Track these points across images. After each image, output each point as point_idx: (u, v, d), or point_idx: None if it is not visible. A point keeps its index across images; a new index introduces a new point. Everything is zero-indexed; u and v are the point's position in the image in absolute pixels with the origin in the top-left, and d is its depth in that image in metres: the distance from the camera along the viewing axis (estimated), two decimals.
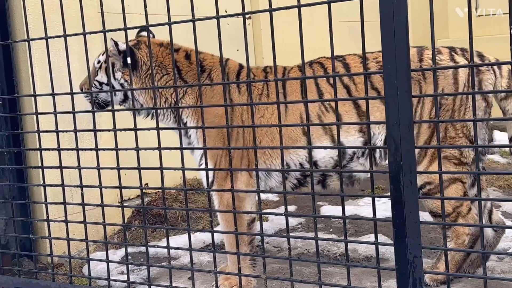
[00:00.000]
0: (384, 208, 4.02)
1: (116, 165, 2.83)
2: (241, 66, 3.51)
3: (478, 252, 3.21)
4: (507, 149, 5.19)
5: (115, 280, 3.20)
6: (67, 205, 3.10)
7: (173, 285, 2.75)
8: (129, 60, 3.08)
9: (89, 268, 3.49)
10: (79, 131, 2.95)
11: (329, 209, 5.16)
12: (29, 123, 4.08)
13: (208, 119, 3.16)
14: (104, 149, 2.91)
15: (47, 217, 3.16)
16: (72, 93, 2.92)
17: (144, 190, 3.00)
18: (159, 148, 2.64)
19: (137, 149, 2.73)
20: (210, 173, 3.21)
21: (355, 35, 6.33)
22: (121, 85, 3.43)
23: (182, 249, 3.10)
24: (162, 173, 2.69)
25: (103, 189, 2.91)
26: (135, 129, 2.70)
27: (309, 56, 2.83)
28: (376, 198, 2.27)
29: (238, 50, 5.45)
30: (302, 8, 2.21)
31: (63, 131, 3.02)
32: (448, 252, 2.55)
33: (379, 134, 3.20)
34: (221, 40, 2.47)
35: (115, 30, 2.66)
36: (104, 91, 3.43)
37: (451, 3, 8.71)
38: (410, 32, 2.01)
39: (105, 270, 3.13)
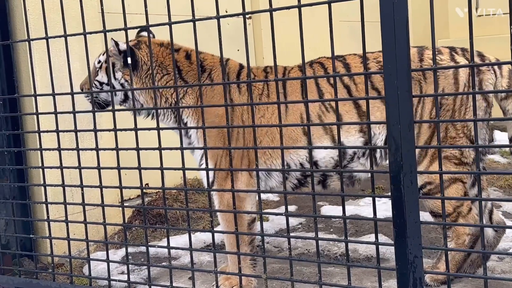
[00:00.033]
0: (385, 208, 4.02)
1: (117, 165, 2.83)
2: (241, 66, 3.51)
3: (479, 252, 3.21)
4: (507, 149, 5.19)
5: (115, 280, 3.20)
6: (67, 205, 3.10)
7: (173, 285, 2.75)
8: (129, 60, 3.08)
9: (89, 268, 3.49)
10: (80, 131, 2.95)
11: (329, 209, 5.16)
12: (30, 123, 4.08)
13: (209, 119, 3.16)
14: (104, 149, 2.92)
15: (48, 217, 3.16)
16: (72, 93, 2.92)
17: (144, 190, 3.00)
18: (160, 148, 2.64)
19: (138, 149, 2.73)
20: (211, 173, 3.21)
21: (355, 35, 6.35)
22: (122, 85, 3.43)
23: (182, 249, 3.10)
24: (162, 173, 2.69)
25: (103, 189, 2.91)
26: (136, 129, 2.70)
27: (309, 56, 2.83)
28: (376, 198, 2.27)
29: (238, 50, 5.46)
30: (302, 8, 2.21)
31: (63, 131, 3.02)
32: (449, 252, 2.55)
33: (379, 134, 3.20)
34: (221, 40, 2.47)
35: (116, 30, 2.66)
36: (104, 91, 3.43)
37: (451, 3, 8.71)
38: (411, 32, 2.01)
39: (106, 270, 3.13)
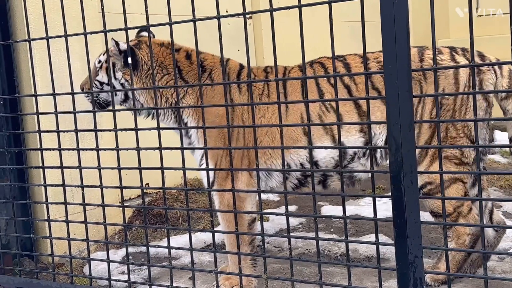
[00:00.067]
0: (385, 208, 4.02)
1: (117, 165, 2.84)
2: (241, 66, 3.51)
3: (479, 252, 3.21)
4: (507, 149, 5.19)
5: (116, 280, 3.20)
6: (68, 205, 3.10)
7: (174, 285, 2.75)
8: (130, 60, 3.08)
9: (90, 268, 3.49)
10: (80, 131, 2.95)
11: (330, 209, 5.16)
12: (30, 123, 4.08)
13: (209, 119, 3.16)
14: (105, 149, 2.92)
15: (48, 217, 3.16)
16: (73, 93, 2.92)
17: (144, 190, 3.01)
18: (160, 148, 2.64)
19: (138, 149, 2.73)
20: (211, 173, 3.21)
21: (356, 35, 6.35)
22: (122, 85, 3.43)
23: (183, 249, 3.10)
24: (162, 173, 2.70)
25: (104, 189, 2.92)
26: (136, 129, 2.70)
27: (309, 56, 2.84)
28: (377, 198, 2.27)
29: (239, 50, 5.46)
30: (303, 8, 2.21)
31: (64, 131, 3.02)
32: (449, 252, 2.55)
33: (380, 134, 3.20)
34: (221, 40, 2.47)
35: (116, 30, 2.66)
36: (105, 91, 3.43)
37: (451, 3, 8.70)
38: (411, 32, 2.01)
39: (106, 270, 3.13)
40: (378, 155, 3.29)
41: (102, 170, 2.91)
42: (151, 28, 2.74)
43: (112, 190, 3.99)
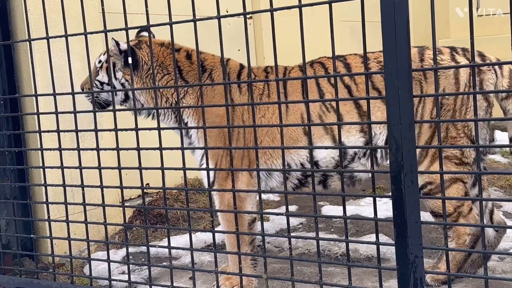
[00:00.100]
0: (385, 208, 4.02)
1: (117, 165, 2.84)
2: (242, 66, 3.51)
3: (479, 252, 3.21)
4: (508, 149, 5.19)
5: (116, 280, 3.20)
6: (68, 205, 3.10)
7: (174, 285, 2.75)
8: (130, 60, 3.08)
9: (90, 268, 3.49)
10: (80, 131, 2.96)
11: (330, 209, 5.16)
12: (30, 123, 4.08)
13: (209, 119, 3.16)
14: (105, 149, 2.92)
15: (48, 217, 3.16)
16: (73, 93, 2.92)
17: (145, 190, 3.01)
18: (160, 148, 2.64)
19: (138, 149, 2.73)
20: (211, 173, 3.21)
21: (356, 35, 6.35)
22: (122, 85, 3.43)
23: (183, 249, 3.11)
24: (163, 173, 2.70)
25: (104, 189, 2.92)
26: (136, 129, 2.70)
27: (310, 56, 2.84)
28: (377, 198, 2.27)
29: (239, 50, 5.45)
30: (303, 8, 2.21)
31: (64, 131, 3.02)
32: (449, 252, 2.55)
33: (380, 134, 3.20)
34: (222, 40, 2.47)
35: (116, 30, 2.66)
36: (105, 91, 3.43)
37: (452, 3, 8.71)
38: (411, 32, 2.01)
39: (106, 270, 3.13)
40: (378, 155, 3.29)
41: (102, 170, 2.91)
42: (151, 28, 2.74)
43: (113, 190, 3.99)
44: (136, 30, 3.62)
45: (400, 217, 2.04)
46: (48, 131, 3.10)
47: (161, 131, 2.70)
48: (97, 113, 2.92)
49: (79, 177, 2.99)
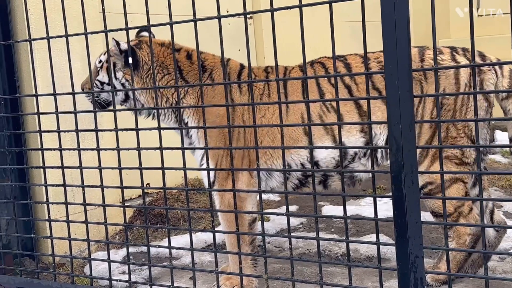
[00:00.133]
0: (386, 208, 4.02)
1: (118, 165, 2.84)
2: (242, 66, 3.51)
3: (480, 252, 3.21)
4: (508, 149, 5.19)
5: (116, 280, 3.20)
6: (68, 205, 3.10)
7: (174, 285, 2.75)
8: (130, 60, 3.08)
9: (90, 268, 3.49)
10: (81, 131, 2.96)
11: (330, 209, 5.16)
12: (31, 123, 4.08)
13: (209, 119, 3.16)
14: (105, 149, 2.92)
15: (49, 217, 3.16)
16: (73, 93, 2.92)
17: (145, 190, 3.00)
18: (161, 148, 2.64)
19: (139, 149, 2.73)
20: (211, 173, 3.21)
21: (356, 35, 6.35)
22: (123, 84, 3.44)
23: (183, 249, 3.11)
24: (163, 173, 2.70)
25: (104, 189, 2.92)
26: (137, 129, 2.70)
27: (310, 56, 2.83)
28: (377, 198, 2.27)
29: (239, 50, 5.45)
30: (303, 8, 2.21)
31: (64, 131, 3.02)
32: (450, 252, 2.55)
33: (380, 134, 3.20)
34: (222, 40, 2.47)
35: (117, 30, 2.67)
36: (105, 91, 3.43)
37: (452, 3, 8.70)
38: (412, 32, 2.01)
39: (107, 270, 3.13)
40: (378, 155, 3.29)
41: (102, 170, 2.91)
42: (151, 28, 2.74)
43: (113, 190, 3.99)
44: (136, 30, 3.62)
45: (400, 217, 2.04)
46: (48, 131, 3.10)
47: (162, 131, 2.70)
48: (97, 113, 2.92)
49: (80, 177, 2.99)
